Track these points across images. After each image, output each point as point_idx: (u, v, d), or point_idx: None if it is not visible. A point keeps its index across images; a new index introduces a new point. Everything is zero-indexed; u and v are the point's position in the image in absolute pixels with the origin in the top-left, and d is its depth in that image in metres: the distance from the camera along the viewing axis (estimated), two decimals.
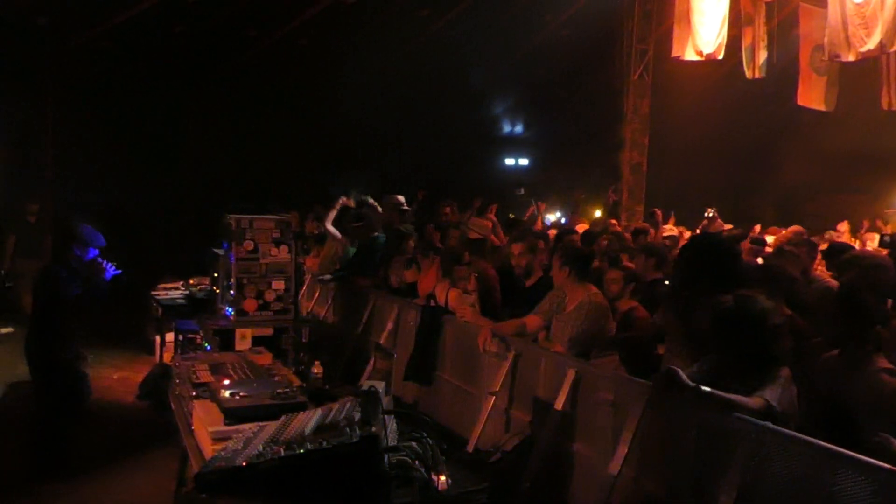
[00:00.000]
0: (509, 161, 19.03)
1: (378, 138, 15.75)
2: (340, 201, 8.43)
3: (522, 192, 15.99)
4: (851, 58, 9.34)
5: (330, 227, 8.33)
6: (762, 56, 11.95)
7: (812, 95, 12.71)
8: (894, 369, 3.40)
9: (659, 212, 10.86)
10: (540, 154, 18.63)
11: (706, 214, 8.02)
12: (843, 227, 11.38)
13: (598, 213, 15.27)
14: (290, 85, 14.21)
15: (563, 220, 13.56)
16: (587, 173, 15.80)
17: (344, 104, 14.60)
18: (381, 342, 6.73)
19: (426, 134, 16.00)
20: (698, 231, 8.49)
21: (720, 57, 11.43)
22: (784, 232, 8.61)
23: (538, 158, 18.71)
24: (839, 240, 8.62)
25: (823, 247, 6.67)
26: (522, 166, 18.96)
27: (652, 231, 9.34)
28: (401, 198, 8.38)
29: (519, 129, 19.01)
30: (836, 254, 5.68)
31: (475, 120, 17.32)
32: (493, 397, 5.10)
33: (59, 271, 5.70)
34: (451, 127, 16.07)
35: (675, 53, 12.08)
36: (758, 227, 9.27)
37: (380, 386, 2.67)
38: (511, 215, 13.23)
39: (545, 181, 16.65)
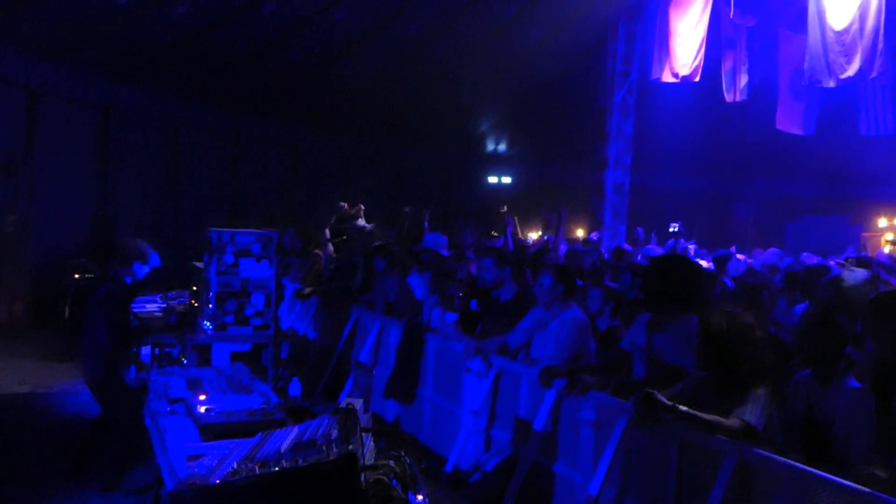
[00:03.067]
0: (492, 179, 19.08)
1: (363, 153, 15.77)
2: (340, 207, 8.46)
3: (505, 209, 16.03)
4: (831, 83, 9.49)
5: (327, 242, 8.33)
6: (743, 79, 12.13)
7: (791, 119, 12.93)
8: (865, 388, 3.43)
9: (641, 231, 10.94)
10: (523, 172, 18.71)
11: (671, 229, 8.06)
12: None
13: (580, 233, 15.35)
14: (277, 99, 14.19)
15: (545, 238, 13.59)
16: (570, 192, 15.87)
17: (330, 119, 14.65)
18: (363, 358, 6.67)
19: (411, 149, 16.04)
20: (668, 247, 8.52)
21: (697, 79, 11.59)
22: (766, 253, 8.70)
23: (521, 177, 18.78)
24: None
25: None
26: (505, 184, 19.02)
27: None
28: (362, 220, 8.44)
29: (503, 147, 19.09)
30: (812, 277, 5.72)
31: (460, 137, 17.38)
32: (474, 416, 5.05)
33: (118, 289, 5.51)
34: (437, 143, 16.13)
35: (654, 75, 12.25)
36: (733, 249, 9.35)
37: (358, 404, 2.63)
38: (494, 233, 13.25)
39: (528, 200, 16.71)
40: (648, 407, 3.27)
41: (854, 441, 3.34)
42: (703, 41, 11.50)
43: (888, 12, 9.13)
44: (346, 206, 8.48)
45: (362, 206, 8.64)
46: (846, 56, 9.25)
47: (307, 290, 8.25)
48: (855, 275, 5.14)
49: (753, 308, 4.33)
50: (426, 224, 9.10)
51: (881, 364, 3.25)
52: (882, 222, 16.23)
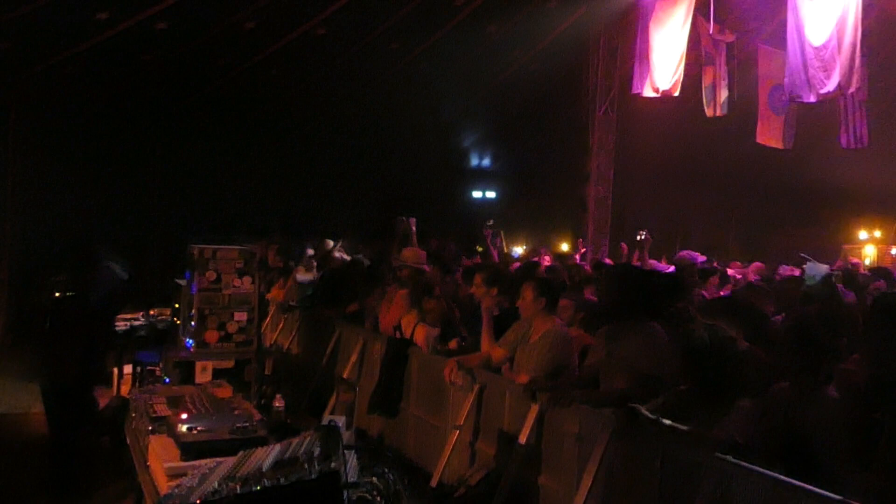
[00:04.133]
0: (476, 194, 19.14)
1: (346, 169, 15.75)
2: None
3: (492, 222, 16.09)
4: (812, 99, 9.60)
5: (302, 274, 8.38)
6: (723, 95, 12.27)
7: (770, 134, 13.07)
8: (844, 400, 3.45)
9: (625, 245, 10.98)
10: (507, 187, 18.78)
11: (638, 237, 8.07)
12: None
13: (564, 247, 15.42)
14: (259, 115, 14.18)
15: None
16: (554, 207, 15.96)
17: (313, 135, 14.63)
18: (347, 374, 6.65)
19: (394, 165, 16.05)
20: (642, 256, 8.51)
21: (676, 94, 11.69)
22: (751, 267, 8.76)
23: (505, 191, 18.85)
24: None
25: None
26: (489, 199, 19.08)
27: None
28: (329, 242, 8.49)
29: (487, 162, 19.17)
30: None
31: (444, 152, 17.43)
32: (458, 431, 5.05)
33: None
34: (420, 159, 16.15)
35: (634, 90, 12.35)
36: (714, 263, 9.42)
37: (340, 420, 2.63)
38: (479, 248, 13.27)
39: (512, 214, 16.77)
40: (631, 421, 3.28)
41: (834, 452, 3.36)
42: (682, 56, 11.62)
43: (864, 28, 9.29)
44: (404, 220, 8.46)
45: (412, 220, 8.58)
46: (825, 72, 9.36)
47: (289, 305, 8.24)
48: (814, 269, 5.19)
49: (738, 321, 4.37)
50: (414, 231, 9.05)
51: (876, 369, 3.23)
52: (862, 234, 16.43)
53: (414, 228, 8.43)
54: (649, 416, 3.24)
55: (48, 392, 5.60)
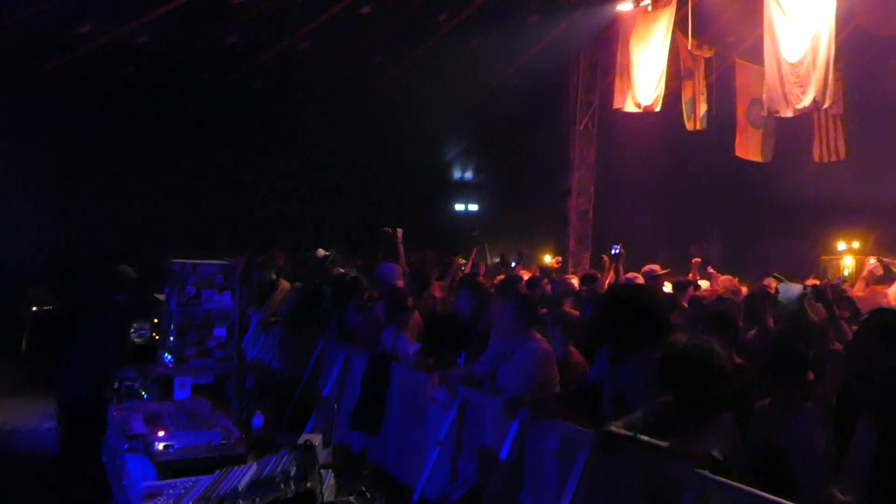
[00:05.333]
0: (459, 206, 19.18)
1: (329, 182, 15.75)
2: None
3: (477, 233, 16.14)
4: (790, 114, 9.72)
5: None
6: (703, 108, 12.41)
7: (749, 147, 13.23)
8: (823, 416, 3.48)
9: (607, 258, 11.01)
10: (490, 200, 18.84)
11: (613, 251, 8.06)
12: None
13: (547, 258, 15.46)
14: (242, 128, 14.15)
15: (513, 265, 13.67)
16: (536, 220, 16.02)
17: (295, 148, 14.61)
18: (328, 389, 6.61)
19: (378, 177, 16.07)
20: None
21: (657, 109, 11.82)
22: (720, 280, 8.81)
23: (488, 204, 18.91)
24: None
25: None
26: (472, 212, 19.14)
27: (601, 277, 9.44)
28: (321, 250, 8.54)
29: (469, 174, 19.24)
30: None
31: (427, 164, 17.47)
32: (439, 447, 5.03)
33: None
34: (403, 171, 16.18)
35: (616, 105, 12.46)
36: (690, 275, 9.48)
37: (317, 439, 2.61)
38: (461, 259, 13.27)
39: (494, 227, 16.82)
40: (608, 441, 3.28)
41: (811, 468, 3.38)
42: (663, 72, 11.75)
43: (838, 43, 9.44)
44: (390, 231, 8.44)
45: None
46: (801, 87, 9.49)
47: (272, 319, 8.18)
48: (788, 291, 5.23)
49: (721, 335, 4.38)
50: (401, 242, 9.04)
51: (856, 380, 3.22)
52: (840, 245, 16.61)
53: (401, 239, 8.44)
54: (626, 434, 3.24)
55: (63, 408, 5.52)
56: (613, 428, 3.28)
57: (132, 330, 7.51)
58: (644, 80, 11.83)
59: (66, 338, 5.50)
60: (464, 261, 12.80)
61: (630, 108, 12.12)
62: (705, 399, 3.29)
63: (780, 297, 5.20)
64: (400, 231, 8.55)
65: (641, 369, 3.78)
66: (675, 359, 3.37)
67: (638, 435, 3.22)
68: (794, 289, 5.19)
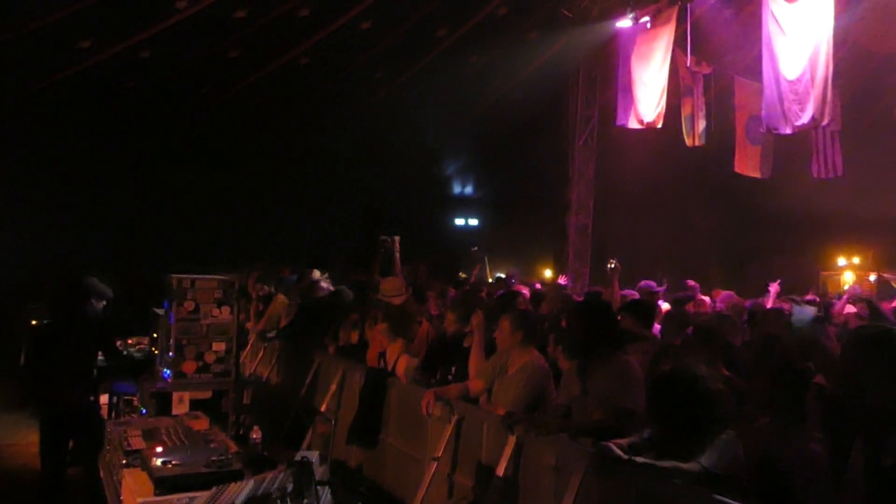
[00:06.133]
0: (459, 221, 19.23)
1: (329, 197, 15.80)
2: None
3: (476, 248, 16.18)
4: (788, 131, 9.75)
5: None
6: (701, 125, 12.46)
7: (748, 163, 13.28)
8: (823, 436, 3.48)
9: (610, 272, 11.02)
10: (489, 215, 18.89)
11: (609, 266, 8.11)
12: None
13: (548, 272, 15.48)
14: (242, 142, 14.21)
15: (513, 279, 13.69)
16: (535, 235, 16.05)
17: (296, 162, 14.67)
18: (326, 404, 6.61)
19: (378, 192, 16.12)
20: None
21: (660, 125, 11.88)
22: (719, 297, 8.81)
23: (487, 219, 18.95)
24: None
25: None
26: (472, 226, 19.18)
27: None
28: (316, 272, 8.58)
29: (469, 189, 19.29)
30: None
31: (427, 179, 17.53)
32: (436, 462, 5.03)
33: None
34: (403, 186, 16.23)
35: (619, 122, 12.51)
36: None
37: (314, 455, 2.62)
38: (462, 274, 13.30)
39: (494, 242, 16.85)
40: (605, 461, 3.29)
41: (812, 489, 3.36)
42: (664, 89, 11.82)
43: (836, 61, 9.50)
44: (387, 239, 8.45)
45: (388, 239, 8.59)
46: (800, 104, 9.53)
47: (270, 334, 8.20)
48: (802, 313, 5.25)
49: (716, 353, 4.40)
50: (398, 250, 9.03)
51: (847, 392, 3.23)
52: (841, 261, 16.63)
53: (398, 247, 8.45)
54: (622, 455, 3.24)
55: (47, 423, 5.48)
56: (611, 448, 3.28)
57: (120, 344, 7.53)
58: (646, 96, 11.89)
59: (46, 352, 5.50)
60: (464, 275, 12.84)
61: (633, 124, 12.18)
62: (695, 427, 3.26)
63: (794, 318, 5.21)
64: (397, 239, 8.56)
65: (613, 376, 3.97)
66: (659, 388, 3.36)
67: (633, 457, 3.22)
68: (808, 311, 5.21)
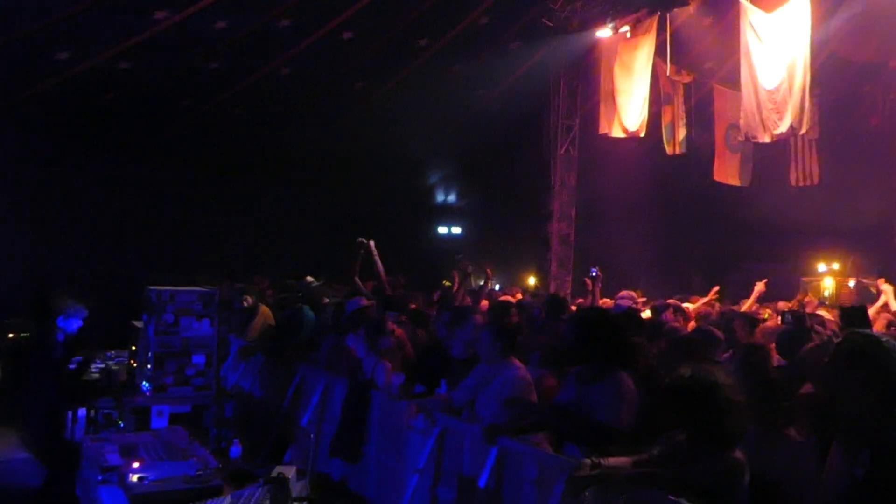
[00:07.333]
0: (442, 230, 19.23)
1: (311, 207, 15.75)
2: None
3: (460, 256, 16.16)
4: (767, 140, 9.88)
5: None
6: (682, 133, 12.59)
7: (727, 171, 13.42)
8: (807, 443, 3.47)
9: (589, 282, 11.05)
10: (472, 224, 18.91)
11: (591, 274, 8.12)
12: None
13: (532, 280, 15.51)
14: (222, 154, 14.13)
15: (497, 287, 13.69)
16: (518, 243, 16.08)
17: (276, 173, 14.61)
18: (308, 416, 6.56)
19: (360, 201, 16.08)
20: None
21: (642, 134, 11.98)
22: (696, 305, 8.85)
23: (471, 228, 18.97)
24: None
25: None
26: (455, 235, 19.19)
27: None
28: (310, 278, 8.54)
29: (452, 198, 19.31)
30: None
31: (410, 188, 17.53)
32: (418, 475, 5.00)
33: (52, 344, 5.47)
34: (386, 195, 16.21)
35: (602, 130, 12.61)
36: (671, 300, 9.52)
37: (291, 471, 2.59)
38: (446, 282, 13.27)
39: (477, 251, 16.85)
40: (577, 487, 3.30)
41: (805, 495, 3.33)
42: (646, 98, 11.93)
43: (814, 70, 9.62)
44: (364, 241, 8.43)
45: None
46: (778, 113, 9.65)
47: (252, 346, 8.12)
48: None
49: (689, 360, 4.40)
50: (375, 253, 8.98)
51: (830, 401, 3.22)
52: (821, 267, 16.79)
53: (374, 250, 8.42)
54: (593, 473, 3.25)
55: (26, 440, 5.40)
56: (583, 470, 3.28)
57: (101, 360, 7.44)
58: (629, 105, 12.01)
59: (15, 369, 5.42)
60: (448, 283, 12.82)
61: (617, 133, 12.28)
62: (716, 433, 3.16)
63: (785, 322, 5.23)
64: (372, 242, 8.53)
65: (607, 391, 3.89)
66: (678, 394, 3.27)
67: (602, 470, 3.23)
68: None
